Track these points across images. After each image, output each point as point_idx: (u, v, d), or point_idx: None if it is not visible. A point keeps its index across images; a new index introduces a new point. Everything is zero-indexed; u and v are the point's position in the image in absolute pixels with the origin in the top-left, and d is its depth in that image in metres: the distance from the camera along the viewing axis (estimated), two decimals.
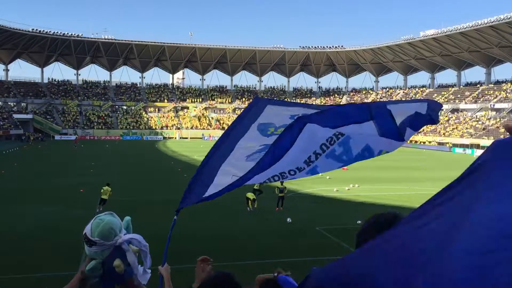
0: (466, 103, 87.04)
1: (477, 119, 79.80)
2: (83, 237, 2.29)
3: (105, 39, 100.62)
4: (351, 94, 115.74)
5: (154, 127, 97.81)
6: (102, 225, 2.30)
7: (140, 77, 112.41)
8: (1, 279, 12.90)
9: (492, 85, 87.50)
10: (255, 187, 23.84)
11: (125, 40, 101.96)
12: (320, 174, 3.88)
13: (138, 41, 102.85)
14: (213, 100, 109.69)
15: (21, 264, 14.26)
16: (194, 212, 22.48)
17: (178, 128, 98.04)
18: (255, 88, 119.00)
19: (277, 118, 4.01)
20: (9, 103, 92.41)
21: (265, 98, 4.15)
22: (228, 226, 19.65)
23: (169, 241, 3.79)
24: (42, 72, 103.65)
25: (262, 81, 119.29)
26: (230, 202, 24.61)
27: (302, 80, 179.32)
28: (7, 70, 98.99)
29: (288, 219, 20.51)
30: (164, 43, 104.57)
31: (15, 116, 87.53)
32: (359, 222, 19.86)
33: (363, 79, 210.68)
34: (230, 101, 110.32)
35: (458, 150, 71.32)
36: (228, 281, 2.52)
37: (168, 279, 3.52)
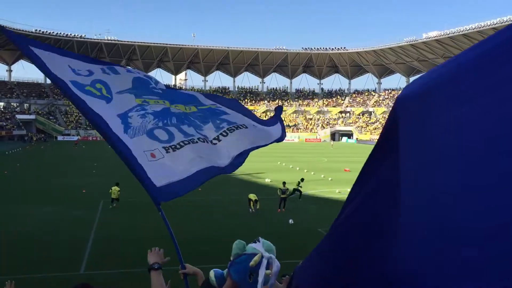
0: None
1: None
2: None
3: (108, 40, 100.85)
4: (354, 95, 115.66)
5: None
6: (268, 242, 2.67)
7: None
8: (2, 279, 12.90)
9: None
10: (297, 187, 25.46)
11: (128, 41, 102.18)
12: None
13: (141, 42, 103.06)
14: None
15: (23, 264, 14.26)
16: (194, 212, 22.49)
17: None
18: (257, 89, 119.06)
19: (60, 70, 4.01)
20: (12, 103, 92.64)
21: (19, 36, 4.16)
22: (229, 227, 19.63)
23: (175, 239, 3.89)
24: None
25: (264, 83, 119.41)
26: (231, 203, 24.61)
27: (305, 82, 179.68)
28: (10, 70, 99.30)
29: (290, 221, 20.47)
30: (166, 44, 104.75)
31: (18, 116, 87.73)
32: None
33: (365, 81, 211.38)
34: None
35: None
36: None
37: (193, 270, 3.59)
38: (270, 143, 4.92)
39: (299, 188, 26.29)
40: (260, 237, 2.66)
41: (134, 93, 4.26)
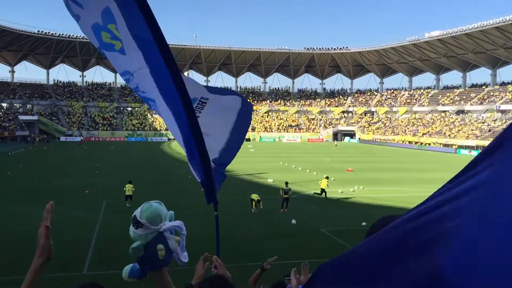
0: (471, 104, 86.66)
1: (483, 121, 79.43)
2: (132, 219, 2.40)
3: None
4: (356, 95, 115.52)
5: (159, 129, 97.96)
6: (151, 210, 2.45)
7: None
8: (5, 280, 12.93)
9: (498, 87, 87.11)
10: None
11: None
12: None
13: None
14: None
15: (25, 264, 14.24)
16: (196, 212, 22.47)
17: None
18: (259, 89, 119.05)
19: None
20: (14, 104, 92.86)
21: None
22: (232, 227, 19.60)
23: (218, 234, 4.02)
24: (48, 73, 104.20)
25: (266, 83, 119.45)
26: (233, 203, 24.59)
27: (307, 82, 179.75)
28: (13, 71, 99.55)
29: (293, 221, 20.45)
30: (169, 44, 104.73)
31: (21, 117, 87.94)
32: (364, 224, 19.79)
33: (368, 81, 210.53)
34: None
35: (464, 151, 71.01)
36: (224, 285, 2.59)
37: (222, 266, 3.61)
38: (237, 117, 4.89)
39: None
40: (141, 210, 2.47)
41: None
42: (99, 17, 3.69)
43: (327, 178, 27.85)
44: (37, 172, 37.91)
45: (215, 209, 4.09)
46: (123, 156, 55.88)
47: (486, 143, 69.43)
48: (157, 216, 2.50)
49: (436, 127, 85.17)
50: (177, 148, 70.79)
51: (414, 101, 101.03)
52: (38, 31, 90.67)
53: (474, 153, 68.65)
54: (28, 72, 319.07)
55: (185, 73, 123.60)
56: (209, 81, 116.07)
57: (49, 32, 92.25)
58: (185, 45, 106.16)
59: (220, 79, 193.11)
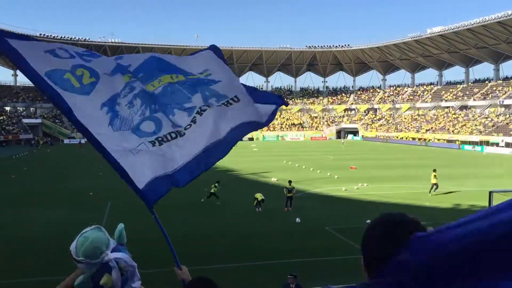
0: (474, 100, 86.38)
1: (486, 116, 79.17)
2: (69, 253, 2.26)
3: (112, 42, 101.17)
4: (358, 92, 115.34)
5: None
6: (86, 244, 2.27)
7: None
8: (10, 283, 12.99)
9: (501, 81, 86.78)
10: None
11: (132, 43, 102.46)
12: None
13: (145, 44, 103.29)
14: None
15: (30, 267, 14.35)
16: (200, 212, 22.52)
17: None
18: (262, 88, 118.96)
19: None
20: (18, 108, 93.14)
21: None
22: (236, 227, 19.64)
23: (168, 238, 3.76)
24: None
25: (269, 82, 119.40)
26: (238, 202, 24.62)
27: (309, 80, 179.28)
28: (15, 75, 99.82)
29: (297, 219, 20.46)
30: (170, 45, 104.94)
31: (24, 120, 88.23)
32: (368, 221, 19.72)
33: (370, 78, 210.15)
34: None
35: (468, 147, 70.83)
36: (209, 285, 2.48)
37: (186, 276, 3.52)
38: (253, 127, 4.44)
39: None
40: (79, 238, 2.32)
41: (120, 71, 3.93)
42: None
43: (434, 171, 28.11)
44: (42, 175, 38.04)
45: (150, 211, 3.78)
46: None
47: (490, 138, 69.32)
48: (94, 249, 2.33)
49: (439, 123, 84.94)
50: None
51: (417, 97, 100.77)
52: (40, 34, 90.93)
53: (478, 149, 68.49)
54: None
55: None
56: None
57: (51, 35, 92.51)
58: (186, 45, 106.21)
59: None
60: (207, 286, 2.56)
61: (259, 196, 22.81)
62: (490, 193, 14.78)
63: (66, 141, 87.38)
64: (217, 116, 4.05)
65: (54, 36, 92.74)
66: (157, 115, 3.83)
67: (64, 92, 3.46)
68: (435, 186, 27.49)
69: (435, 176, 27.72)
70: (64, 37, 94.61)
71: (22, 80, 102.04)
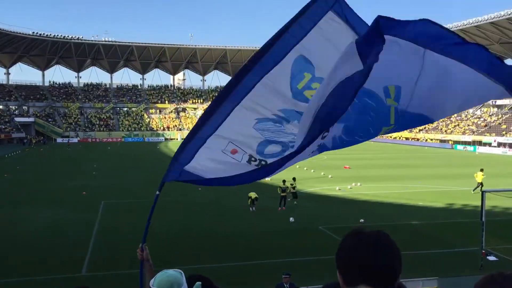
0: None
1: (479, 116, 79.61)
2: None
3: (106, 41, 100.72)
4: None
5: (155, 129, 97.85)
6: (163, 277, 2.39)
7: (141, 79, 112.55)
8: (6, 282, 12.91)
9: None
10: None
11: (126, 42, 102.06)
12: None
13: (139, 43, 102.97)
14: None
15: (25, 266, 14.27)
16: (194, 210, 22.48)
17: (180, 129, 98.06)
18: None
19: (324, 53, 3.36)
20: (10, 106, 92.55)
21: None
22: (230, 226, 19.63)
23: (151, 217, 3.74)
24: (43, 75, 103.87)
25: None
26: (231, 201, 24.60)
27: None
28: (8, 73, 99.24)
29: (291, 219, 20.47)
30: (164, 44, 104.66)
31: (17, 119, 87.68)
32: (362, 220, 19.85)
33: None
34: None
35: (460, 147, 71.23)
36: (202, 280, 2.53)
37: (150, 264, 3.52)
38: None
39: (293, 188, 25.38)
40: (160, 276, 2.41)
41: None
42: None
43: (481, 170, 28.38)
44: (35, 174, 37.82)
45: (160, 188, 3.77)
46: (120, 156, 55.78)
47: (482, 138, 69.75)
48: (168, 283, 2.43)
49: (432, 123, 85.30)
50: (174, 148, 70.66)
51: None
52: (33, 32, 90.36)
53: (469, 148, 68.88)
54: (24, 74, 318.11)
55: (181, 73, 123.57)
56: (205, 80, 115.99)
57: (43, 34, 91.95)
58: (180, 45, 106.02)
59: (216, 78, 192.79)
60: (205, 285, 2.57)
61: (252, 195, 22.81)
62: (483, 192, 14.86)
63: (59, 140, 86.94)
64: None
65: (47, 35, 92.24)
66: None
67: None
68: (480, 185, 27.54)
69: (482, 175, 27.99)
70: (57, 35, 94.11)
71: (15, 78, 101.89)
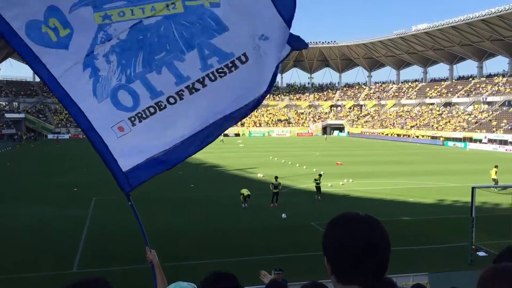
0: (458, 96, 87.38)
1: (470, 113, 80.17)
2: None
3: None
4: (344, 89, 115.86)
5: None
6: (178, 285, 2.37)
7: None
8: None
9: (484, 79, 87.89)
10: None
11: None
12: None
13: None
14: None
15: (16, 263, 14.19)
16: (186, 208, 22.47)
17: None
18: None
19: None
20: (0, 102, 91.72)
21: None
22: (222, 223, 19.64)
23: (140, 221, 3.76)
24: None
25: None
26: (223, 198, 24.61)
27: (295, 76, 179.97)
28: None
29: (283, 215, 20.52)
30: None
31: (7, 115, 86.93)
32: None
33: (356, 74, 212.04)
34: None
35: (451, 144, 71.72)
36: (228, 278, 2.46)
37: (159, 265, 3.53)
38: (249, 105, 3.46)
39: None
40: None
41: (90, 3, 3.18)
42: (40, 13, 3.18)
43: (496, 167, 28.40)
44: (25, 170, 37.55)
45: (127, 199, 3.77)
46: None
47: (473, 135, 70.24)
48: None
49: (424, 120, 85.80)
50: None
51: (402, 94, 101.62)
52: None
53: (460, 145, 69.36)
54: (14, 69, 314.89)
55: None
56: None
57: None
58: None
59: None
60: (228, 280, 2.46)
61: (245, 191, 22.83)
62: (473, 188, 14.98)
63: (50, 136, 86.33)
64: (210, 99, 3.40)
65: None
66: (133, 85, 3.37)
67: (43, 48, 3.23)
68: (494, 182, 27.62)
69: (496, 172, 28.14)
70: None
71: (5, 74, 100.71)
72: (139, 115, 3.42)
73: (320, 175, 25.56)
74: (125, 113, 3.41)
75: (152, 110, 3.41)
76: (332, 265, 1.55)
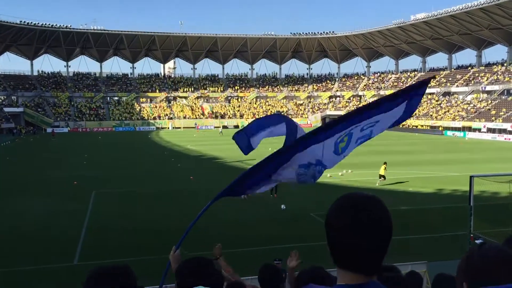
0: (457, 86, 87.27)
1: (469, 102, 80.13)
2: None
3: (95, 30, 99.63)
4: (343, 79, 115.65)
5: (146, 118, 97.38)
6: None
7: (131, 68, 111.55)
8: None
9: (483, 68, 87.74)
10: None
11: (115, 31, 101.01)
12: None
13: (128, 31, 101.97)
14: (205, 89, 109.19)
15: (16, 256, 14.27)
16: (186, 200, 22.53)
17: (171, 118, 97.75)
18: (246, 76, 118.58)
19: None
20: None
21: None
22: (222, 214, 19.70)
23: (192, 226, 3.85)
24: (32, 64, 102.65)
25: (253, 69, 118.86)
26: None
27: (294, 67, 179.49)
28: None
29: (283, 206, 20.60)
30: (154, 32, 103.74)
31: (6, 109, 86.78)
32: None
33: (354, 65, 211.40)
34: (222, 89, 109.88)
35: (450, 133, 71.77)
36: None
37: (175, 264, 3.57)
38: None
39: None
40: None
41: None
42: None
43: (385, 163, 27.86)
44: (25, 164, 37.58)
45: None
46: (111, 146, 55.54)
47: (472, 124, 70.25)
48: None
49: (423, 109, 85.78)
50: (165, 136, 70.55)
51: (401, 84, 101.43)
52: (20, 21, 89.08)
53: (459, 134, 69.41)
54: (12, 63, 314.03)
55: (171, 61, 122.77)
56: (195, 68, 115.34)
57: (31, 22, 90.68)
58: (170, 33, 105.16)
59: (207, 66, 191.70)
60: (205, 265, 2.62)
61: None
62: (471, 177, 15.04)
63: (49, 129, 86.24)
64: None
65: (35, 24, 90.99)
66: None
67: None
68: (382, 178, 27.20)
69: (385, 168, 27.54)
70: (45, 24, 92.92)
71: (3, 68, 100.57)
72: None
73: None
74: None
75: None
76: (331, 251, 1.55)
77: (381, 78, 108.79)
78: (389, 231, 1.53)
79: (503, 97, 75.68)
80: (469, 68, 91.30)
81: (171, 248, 3.72)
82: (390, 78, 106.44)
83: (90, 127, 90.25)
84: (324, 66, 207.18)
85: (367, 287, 1.49)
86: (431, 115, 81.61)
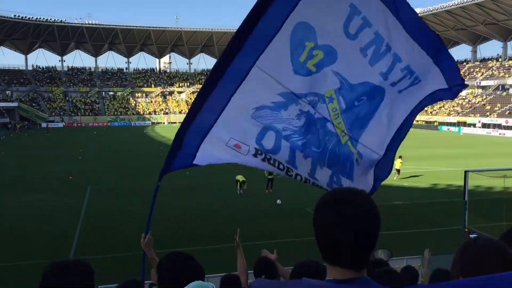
0: None
1: (464, 97, 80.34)
2: None
3: (89, 24, 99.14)
4: None
5: (142, 113, 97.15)
6: (194, 285, 2.39)
7: (126, 62, 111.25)
8: None
9: (478, 63, 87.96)
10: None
11: (110, 25, 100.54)
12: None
13: (123, 26, 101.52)
14: (201, 84, 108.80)
15: (11, 252, 14.24)
16: (182, 194, 22.53)
17: (166, 113, 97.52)
18: None
19: (324, 14, 3.09)
20: None
21: None
22: (217, 209, 19.72)
23: (152, 208, 3.79)
24: (26, 59, 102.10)
25: None
26: (219, 184, 24.68)
27: None
28: None
29: (278, 201, 20.64)
30: (149, 27, 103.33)
31: (0, 104, 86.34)
32: None
33: None
34: None
35: (445, 128, 72.00)
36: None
37: (149, 250, 3.56)
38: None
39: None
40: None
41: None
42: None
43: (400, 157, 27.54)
44: (20, 159, 37.43)
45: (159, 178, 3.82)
46: (106, 141, 55.40)
47: (467, 119, 70.53)
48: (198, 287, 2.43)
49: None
50: (161, 131, 70.37)
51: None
52: (15, 15, 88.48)
53: (454, 129, 69.63)
54: (6, 58, 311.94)
55: (167, 56, 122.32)
56: (191, 63, 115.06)
57: (25, 17, 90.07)
58: (166, 27, 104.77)
59: (203, 61, 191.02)
60: (185, 260, 2.60)
61: (240, 178, 22.90)
62: (466, 172, 15.10)
63: (43, 124, 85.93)
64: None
65: (29, 18, 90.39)
66: (284, 142, 3.59)
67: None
68: (397, 172, 27.36)
69: (401, 162, 27.67)
70: (40, 18, 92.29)
71: None
72: (267, 156, 3.58)
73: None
74: (256, 144, 3.51)
75: (280, 166, 3.66)
76: (319, 248, 1.56)
77: None
78: (376, 225, 1.49)
79: (498, 92, 75.94)
80: (464, 63, 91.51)
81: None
82: None
83: (85, 122, 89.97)
84: None
85: (357, 282, 1.48)
86: (426, 110, 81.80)
